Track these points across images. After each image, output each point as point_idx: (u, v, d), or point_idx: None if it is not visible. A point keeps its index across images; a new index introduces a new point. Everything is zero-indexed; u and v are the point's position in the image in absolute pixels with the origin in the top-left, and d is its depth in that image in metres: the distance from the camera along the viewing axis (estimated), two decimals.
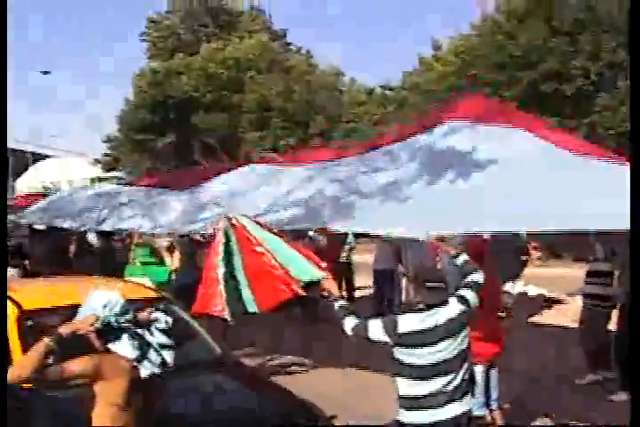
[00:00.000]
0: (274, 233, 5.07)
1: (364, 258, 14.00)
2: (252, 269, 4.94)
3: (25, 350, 5.02)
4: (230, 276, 4.94)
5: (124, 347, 3.85)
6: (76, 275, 8.07)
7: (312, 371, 8.26)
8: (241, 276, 4.98)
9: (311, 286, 4.89)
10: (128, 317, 3.90)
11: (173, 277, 9.00)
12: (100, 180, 46.51)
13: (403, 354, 4.39)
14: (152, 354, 3.92)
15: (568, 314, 9.35)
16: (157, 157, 31.22)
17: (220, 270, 4.91)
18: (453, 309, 4.44)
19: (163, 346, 3.98)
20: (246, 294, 4.95)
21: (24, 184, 51.22)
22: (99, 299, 3.86)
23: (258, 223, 5.15)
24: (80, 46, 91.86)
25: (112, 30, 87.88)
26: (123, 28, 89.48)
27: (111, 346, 3.85)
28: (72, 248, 9.92)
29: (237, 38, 33.29)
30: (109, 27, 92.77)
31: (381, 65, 77.83)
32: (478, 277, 4.66)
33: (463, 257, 4.79)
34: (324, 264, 4.95)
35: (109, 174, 39.97)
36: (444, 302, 4.45)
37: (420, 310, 4.45)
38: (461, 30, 24.35)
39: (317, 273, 4.87)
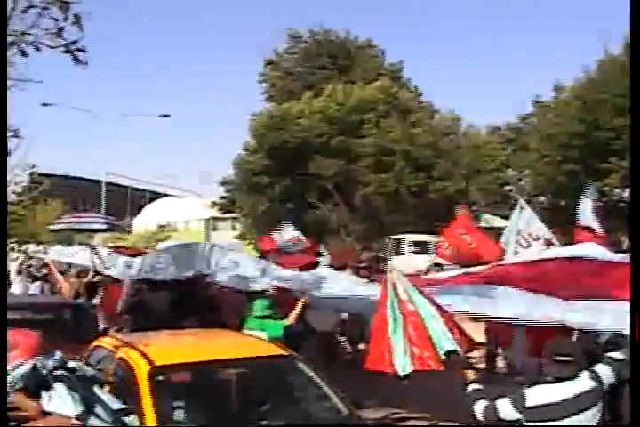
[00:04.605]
0: (427, 298, 4.99)
1: None
2: (410, 328, 4.85)
3: (156, 404, 4.99)
4: (395, 331, 4.89)
5: (63, 404, 3.28)
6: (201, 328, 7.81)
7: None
8: (401, 333, 4.88)
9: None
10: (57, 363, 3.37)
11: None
12: (215, 219, 47.69)
13: None
14: (101, 411, 3.40)
15: None
16: (273, 200, 31.44)
17: (390, 327, 4.86)
18: (583, 384, 4.23)
19: (120, 411, 3.53)
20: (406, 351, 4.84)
21: (142, 222, 52.84)
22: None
23: (414, 285, 5.07)
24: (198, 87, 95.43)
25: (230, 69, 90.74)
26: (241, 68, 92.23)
27: (47, 406, 3.30)
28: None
29: (359, 80, 33.28)
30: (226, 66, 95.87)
31: (494, 106, 77.12)
32: (620, 354, 4.40)
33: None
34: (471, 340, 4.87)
35: (225, 215, 40.71)
36: (574, 377, 4.25)
37: (549, 383, 4.30)
38: (589, 72, 23.45)
39: (456, 346, 4.69)
